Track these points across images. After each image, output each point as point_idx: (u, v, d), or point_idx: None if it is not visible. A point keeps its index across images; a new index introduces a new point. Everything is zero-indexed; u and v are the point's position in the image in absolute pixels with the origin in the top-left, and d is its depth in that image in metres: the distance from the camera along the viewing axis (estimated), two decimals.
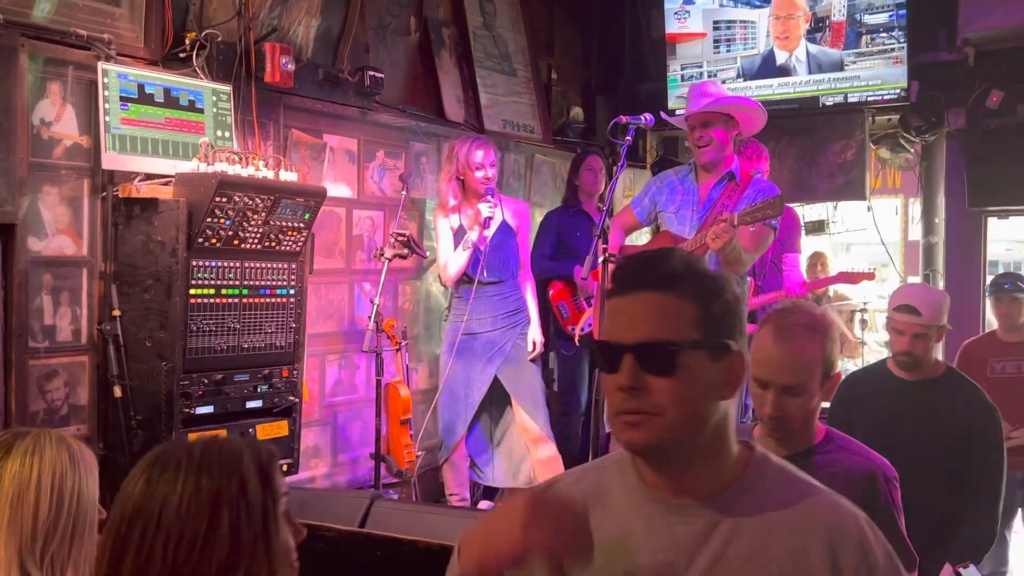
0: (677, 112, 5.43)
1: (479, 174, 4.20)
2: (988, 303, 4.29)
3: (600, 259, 3.32)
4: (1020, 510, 4.09)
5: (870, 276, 4.85)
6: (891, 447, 2.54)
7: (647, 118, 3.46)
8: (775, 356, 1.99)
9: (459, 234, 4.27)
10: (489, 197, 4.18)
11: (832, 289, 6.69)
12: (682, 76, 5.85)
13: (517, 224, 4.39)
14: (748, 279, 4.58)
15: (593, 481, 1.35)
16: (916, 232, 6.11)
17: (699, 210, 3.64)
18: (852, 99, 5.33)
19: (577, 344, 4.84)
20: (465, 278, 4.26)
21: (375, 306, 3.89)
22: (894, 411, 2.94)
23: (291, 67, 3.83)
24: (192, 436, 3.22)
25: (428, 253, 4.43)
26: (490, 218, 4.20)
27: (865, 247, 7.62)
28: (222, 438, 1.32)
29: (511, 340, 4.31)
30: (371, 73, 4.35)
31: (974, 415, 2.90)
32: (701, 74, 5.77)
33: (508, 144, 5.47)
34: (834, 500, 1.28)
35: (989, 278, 5.78)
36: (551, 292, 5.00)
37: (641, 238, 5.17)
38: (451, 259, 4.24)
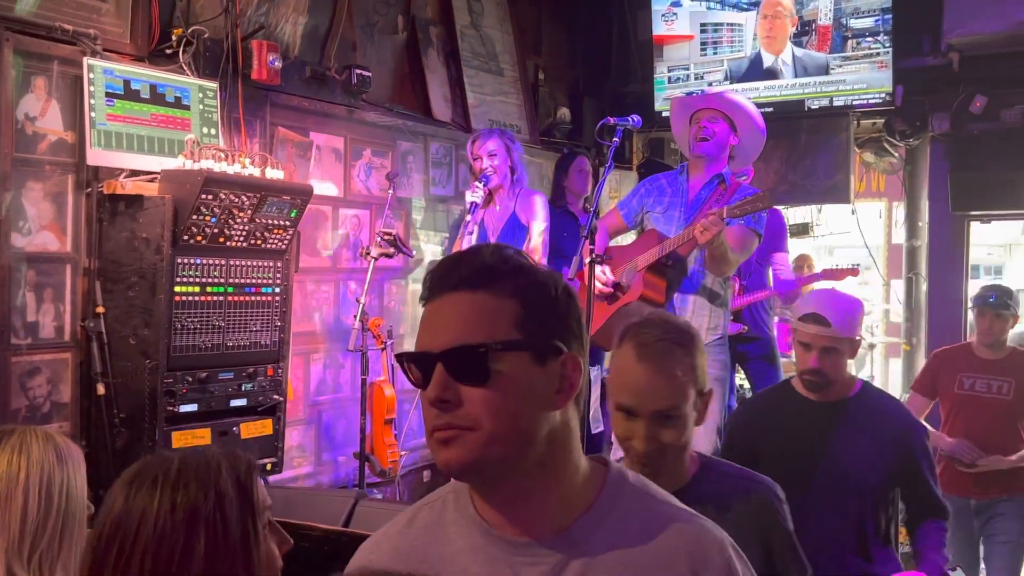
0: (663, 114, 5.45)
1: (475, 164, 4.26)
2: (971, 315, 4.03)
3: (587, 260, 3.33)
4: (981, 545, 3.85)
5: (854, 272, 4.87)
6: (802, 484, 2.36)
7: (635, 119, 3.48)
8: (641, 378, 1.72)
9: (474, 224, 4.26)
10: (477, 184, 4.18)
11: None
12: (669, 78, 5.87)
13: (527, 218, 4.35)
14: (731, 281, 4.61)
15: (427, 521, 1.21)
16: (900, 235, 6.16)
17: (686, 209, 3.66)
18: (837, 103, 5.37)
19: None
20: None
21: (360, 305, 3.89)
22: (802, 440, 2.55)
23: (278, 64, 3.82)
24: (176, 436, 3.21)
25: (414, 252, 4.43)
26: (474, 203, 4.17)
27: (849, 250, 7.68)
28: (201, 450, 1.30)
29: None
30: (358, 71, 4.35)
31: (898, 439, 2.55)
32: (688, 76, 5.80)
33: None
34: (698, 526, 1.15)
35: (972, 283, 5.84)
36: None
37: (627, 240, 5.18)
38: (455, 247, 4.24)
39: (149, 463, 1.28)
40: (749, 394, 5.02)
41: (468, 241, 4.17)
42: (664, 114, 5.43)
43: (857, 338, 2.62)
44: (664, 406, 1.73)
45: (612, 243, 3.99)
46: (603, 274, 3.61)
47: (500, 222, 4.31)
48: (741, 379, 5.15)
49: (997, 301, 3.81)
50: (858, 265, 4.93)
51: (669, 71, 5.88)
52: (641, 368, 1.74)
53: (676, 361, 1.74)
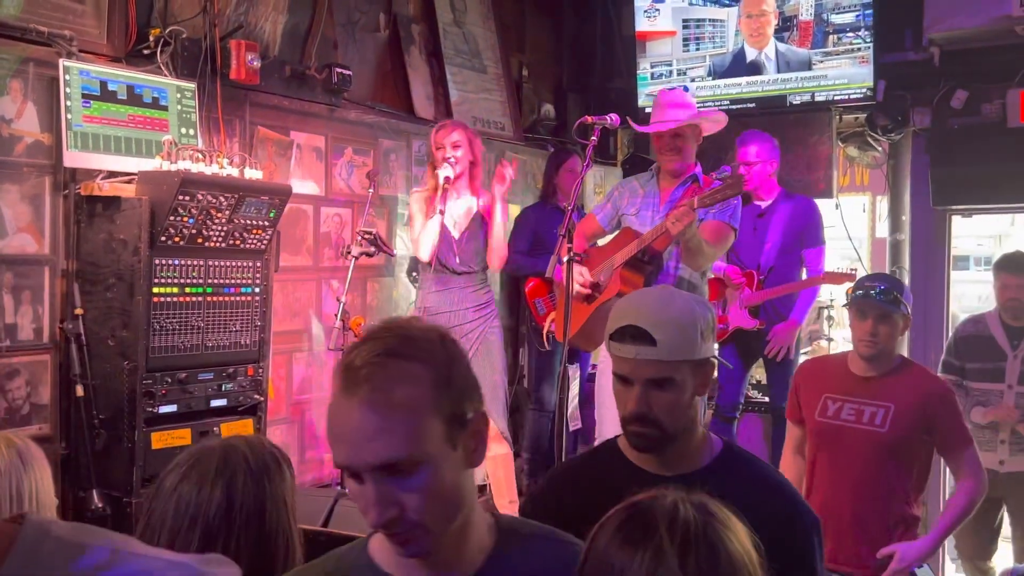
0: (646, 110, 5.47)
1: (437, 153, 4.22)
2: (847, 315, 3.05)
3: (564, 259, 3.34)
4: None
5: (851, 277, 4.74)
6: None
7: (612, 118, 3.48)
8: (355, 430, 1.21)
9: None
10: (448, 161, 4.16)
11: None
12: (652, 74, 5.88)
13: (490, 216, 4.37)
14: (749, 275, 4.62)
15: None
16: (883, 229, 6.18)
17: (660, 211, 3.68)
18: (819, 98, 5.39)
19: (549, 345, 4.87)
20: (438, 265, 4.24)
21: (341, 304, 3.90)
22: None
23: (257, 64, 3.82)
24: (155, 437, 3.22)
25: (396, 252, 4.44)
26: (448, 178, 4.14)
27: (833, 243, 7.70)
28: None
29: (481, 332, 4.31)
30: (339, 70, 4.35)
31: (776, 540, 1.49)
32: (671, 72, 5.81)
33: None
34: (572, 551, 1.23)
35: (955, 275, 5.88)
36: (527, 288, 5.04)
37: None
38: (422, 232, 4.20)
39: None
40: (766, 397, 4.90)
41: (434, 229, 4.14)
42: (648, 110, 5.45)
43: (704, 358, 1.76)
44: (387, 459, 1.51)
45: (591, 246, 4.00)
46: (580, 275, 3.62)
47: (465, 215, 4.29)
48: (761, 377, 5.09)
49: (883, 296, 2.82)
50: (854, 270, 4.87)
51: (652, 67, 5.89)
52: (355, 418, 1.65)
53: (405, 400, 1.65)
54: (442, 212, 4.14)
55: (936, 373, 3.35)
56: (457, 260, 4.24)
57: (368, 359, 1.14)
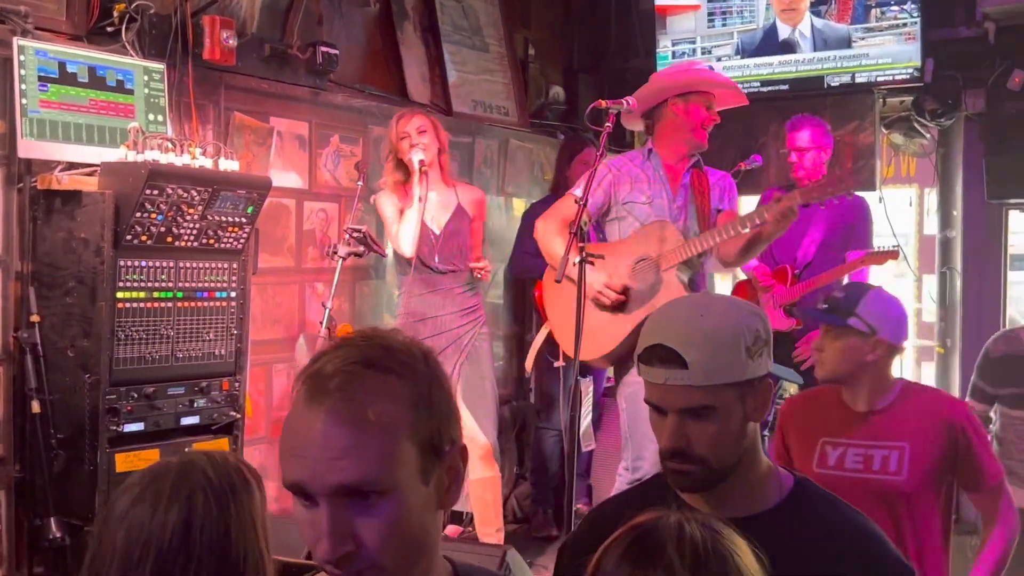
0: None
1: (399, 144, 4.20)
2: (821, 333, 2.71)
3: (576, 259, 3.33)
4: None
5: (894, 254, 4.70)
6: None
7: (629, 102, 3.48)
8: (318, 444, 1.14)
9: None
10: (419, 147, 4.15)
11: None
12: (673, 52, 5.88)
13: (472, 211, 4.39)
14: (783, 270, 4.63)
15: None
16: (932, 225, 6.18)
17: (676, 198, 3.71)
18: (860, 79, 5.38)
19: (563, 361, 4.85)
20: (419, 265, 4.23)
21: (327, 310, 3.90)
22: None
23: (233, 42, 3.82)
24: (120, 458, 3.22)
25: (388, 252, 4.44)
26: (423, 161, 4.12)
27: (876, 240, 7.70)
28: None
29: (470, 337, 4.31)
30: (324, 49, 4.36)
31: None
32: (694, 51, 5.81)
33: (479, 128, 5.49)
34: None
35: (1012, 275, 5.86)
36: (537, 293, 5.02)
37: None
38: (401, 224, 4.18)
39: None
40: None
41: (414, 218, 4.13)
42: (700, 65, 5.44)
43: (755, 378, 1.67)
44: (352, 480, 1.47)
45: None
46: (605, 278, 3.60)
47: (443, 210, 4.29)
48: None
49: (826, 306, 2.62)
50: (896, 246, 4.81)
51: (673, 45, 5.89)
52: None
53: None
54: (422, 199, 4.12)
55: (948, 393, 3.15)
56: (437, 259, 4.24)
57: (341, 366, 1.11)
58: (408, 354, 1.16)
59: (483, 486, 4.34)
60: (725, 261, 3.84)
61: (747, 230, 3.54)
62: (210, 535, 1.46)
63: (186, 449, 3.42)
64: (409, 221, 4.14)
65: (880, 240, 5.12)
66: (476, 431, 4.30)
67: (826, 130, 4.75)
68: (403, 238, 4.16)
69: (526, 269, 5.02)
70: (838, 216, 4.64)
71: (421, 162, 4.12)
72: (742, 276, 5.13)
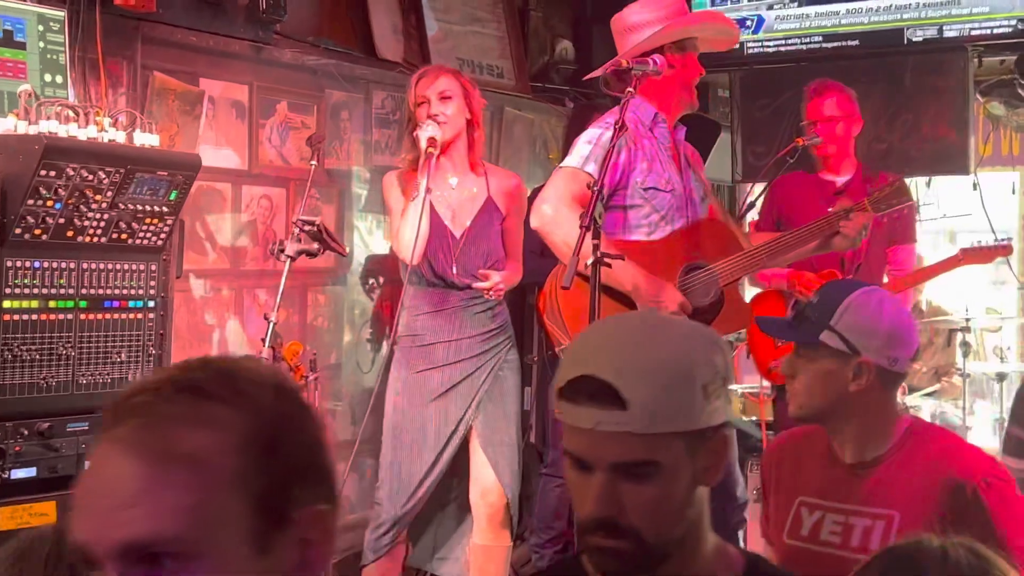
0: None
1: (418, 111, 4.21)
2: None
3: (589, 261, 3.32)
4: None
5: (1006, 250, 4.66)
6: None
7: (656, 62, 3.48)
8: (103, 489, 1.14)
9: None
10: (431, 120, 4.14)
11: (925, 299, 6.75)
12: None
13: (506, 205, 4.36)
14: (726, 348, 4.64)
15: None
16: None
17: (688, 172, 3.80)
18: (949, 33, 5.38)
19: None
20: (431, 276, 4.21)
21: (271, 324, 3.89)
22: None
23: None
24: (5, 513, 3.20)
25: (348, 249, 4.43)
26: (434, 139, 4.09)
27: (970, 236, 7.70)
28: None
29: (492, 367, 4.29)
30: None
31: None
32: None
33: None
34: None
35: None
36: (541, 303, 4.98)
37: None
38: (401, 224, 4.17)
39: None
40: None
41: (414, 217, 4.11)
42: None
43: (709, 427, 1.59)
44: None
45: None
46: (675, 293, 3.58)
47: (468, 203, 4.28)
48: None
49: (795, 317, 2.46)
50: (1009, 239, 4.79)
51: None
52: None
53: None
54: (429, 190, 4.10)
55: (970, 443, 2.69)
56: (455, 268, 4.22)
57: (149, 387, 1.08)
58: (252, 381, 1.11)
59: (487, 556, 4.32)
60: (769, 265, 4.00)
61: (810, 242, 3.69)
62: None
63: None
64: (409, 220, 4.12)
65: (977, 236, 5.13)
66: (493, 484, 4.28)
67: (852, 97, 4.78)
68: (403, 240, 4.13)
69: (531, 271, 4.98)
70: None
71: (431, 141, 4.08)
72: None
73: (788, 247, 3.69)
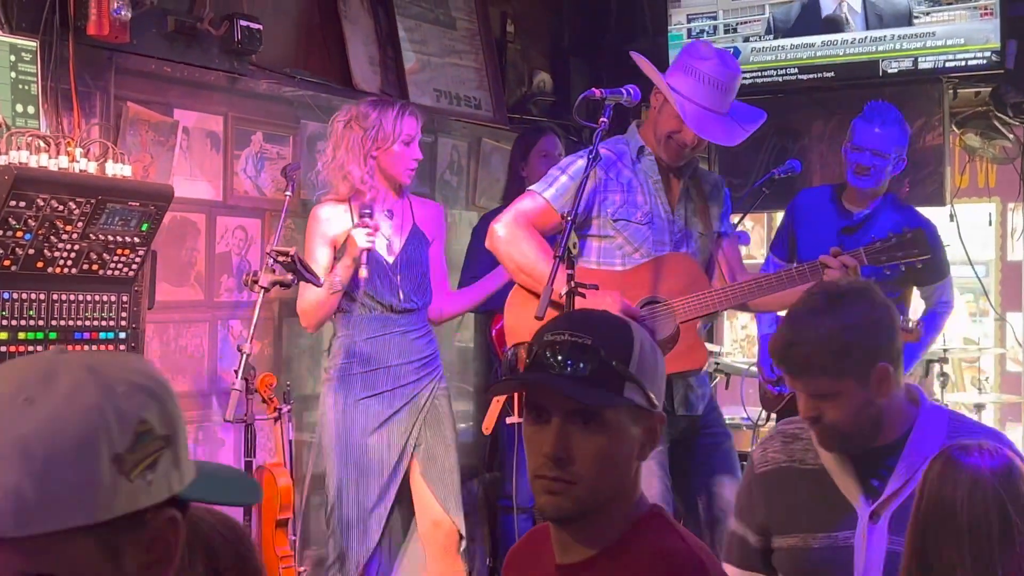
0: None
1: (408, 150, 4.17)
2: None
3: (564, 291, 3.32)
4: None
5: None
6: None
7: (631, 91, 3.49)
8: None
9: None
10: (368, 219, 4.06)
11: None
12: (689, 31, 5.91)
13: (433, 233, 4.37)
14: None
15: None
16: (1019, 250, 6.22)
17: (675, 220, 3.73)
18: (924, 65, 5.41)
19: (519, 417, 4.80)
20: (370, 303, 4.18)
21: (244, 356, 3.86)
22: None
23: (127, 14, 3.81)
24: None
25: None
26: (367, 250, 4.06)
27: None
28: None
29: (429, 396, 4.27)
30: (244, 23, 4.35)
31: None
32: (715, 28, 5.83)
33: (444, 124, 5.49)
34: None
35: None
36: (494, 331, 4.96)
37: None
38: (310, 298, 4.11)
39: None
40: None
41: (316, 301, 4.10)
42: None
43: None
44: None
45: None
46: (623, 304, 3.57)
47: (397, 232, 4.26)
48: None
49: (573, 367, 1.78)
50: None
51: (689, 21, 5.92)
52: None
53: None
54: (339, 283, 4.09)
55: (693, 543, 1.86)
56: (401, 296, 4.20)
57: None
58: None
59: None
60: (756, 309, 3.98)
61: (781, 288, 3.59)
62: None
63: None
64: (313, 301, 4.10)
65: (954, 271, 5.13)
66: (440, 514, 4.25)
67: (905, 130, 4.59)
68: (313, 314, 4.15)
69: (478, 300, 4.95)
70: None
71: (364, 252, 4.03)
72: None
73: (754, 292, 3.65)
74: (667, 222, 3.70)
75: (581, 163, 3.57)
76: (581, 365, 1.78)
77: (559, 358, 1.79)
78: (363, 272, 4.06)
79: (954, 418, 2.55)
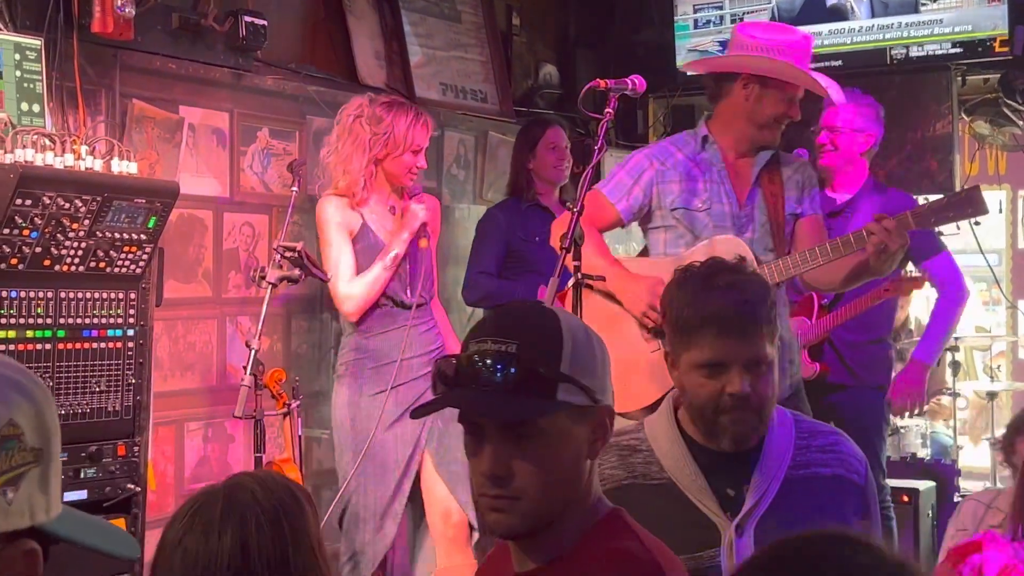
0: (690, 74, 5.46)
1: (415, 159, 4.20)
2: None
3: (570, 282, 3.32)
4: None
5: (917, 284, 4.70)
6: None
7: (635, 82, 3.48)
8: None
9: (363, 238, 4.21)
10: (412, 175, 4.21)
11: (914, 318, 6.75)
12: (695, 21, 5.92)
13: (431, 227, 4.38)
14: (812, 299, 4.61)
15: None
16: None
17: (744, 205, 3.67)
18: (932, 52, 5.40)
19: None
20: (380, 299, 4.20)
21: (253, 352, 3.87)
22: None
23: (131, 11, 3.82)
24: None
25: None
26: (426, 224, 4.22)
27: (959, 257, 7.72)
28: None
29: None
30: (249, 19, 4.36)
31: None
32: (721, 18, 5.83)
33: (450, 118, 5.49)
34: None
35: None
36: None
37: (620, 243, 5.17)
38: (366, 279, 4.17)
39: None
40: None
41: (372, 283, 4.16)
42: (690, 74, 5.46)
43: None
44: None
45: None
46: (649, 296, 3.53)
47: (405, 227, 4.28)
48: None
49: (499, 371, 1.72)
50: (919, 276, 4.78)
51: (695, 11, 5.92)
52: None
53: None
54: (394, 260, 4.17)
55: (652, 544, 1.81)
56: (408, 292, 4.23)
57: None
58: None
59: None
60: (818, 288, 3.97)
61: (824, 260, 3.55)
62: (268, 557, 1.64)
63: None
64: (375, 283, 4.15)
65: (964, 257, 5.13)
66: (451, 504, 4.26)
67: (875, 114, 4.69)
68: (363, 295, 4.17)
69: (487, 295, 4.93)
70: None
71: (424, 226, 4.20)
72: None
73: (798, 267, 3.59)
74: (729, 208, 3.66)
75: (641, 157, 3.74)
76: (510, 372, 1.69)
77: (485, 370, 1.71)
78: (423, 243, 4.21)
79: (796, 418, 2.45)
